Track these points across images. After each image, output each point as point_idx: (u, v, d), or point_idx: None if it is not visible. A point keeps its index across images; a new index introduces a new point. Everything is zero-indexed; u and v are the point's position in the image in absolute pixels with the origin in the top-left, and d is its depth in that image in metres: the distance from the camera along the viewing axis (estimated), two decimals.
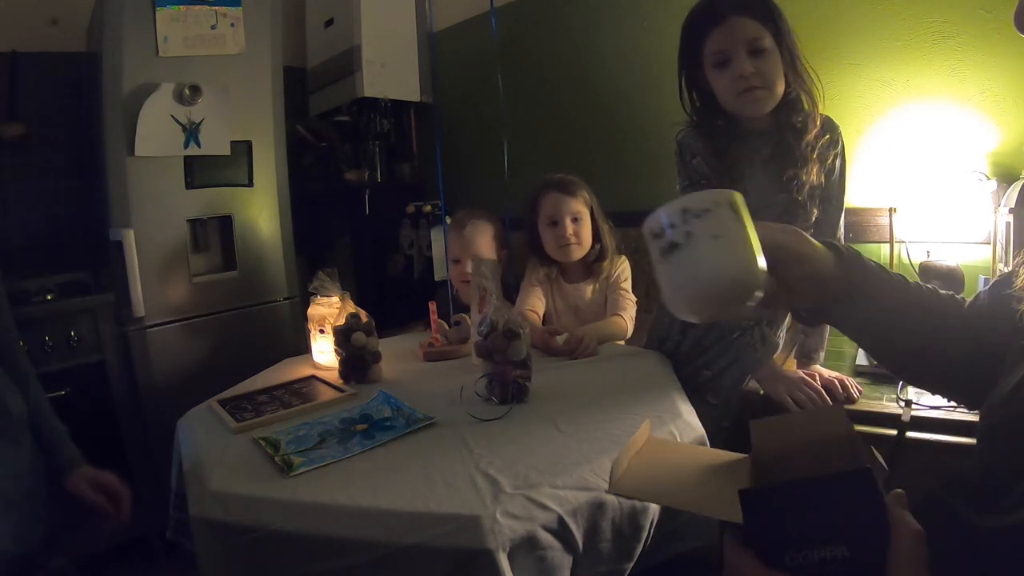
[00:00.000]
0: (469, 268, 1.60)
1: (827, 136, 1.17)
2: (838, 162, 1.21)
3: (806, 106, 1.14)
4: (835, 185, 1.21)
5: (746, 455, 0.50)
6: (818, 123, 1.15)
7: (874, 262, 0.63)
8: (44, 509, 0.92)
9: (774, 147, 1.17)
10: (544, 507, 0.75)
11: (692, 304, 0.49)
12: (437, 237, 2.14)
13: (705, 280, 0.47)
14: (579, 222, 1.53)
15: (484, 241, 1.64)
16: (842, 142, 1.21)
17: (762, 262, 0.49)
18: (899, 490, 0.39)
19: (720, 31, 1.10)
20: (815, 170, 1.16)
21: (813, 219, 1.19)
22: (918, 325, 0.63)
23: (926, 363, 0.65)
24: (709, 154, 1.18)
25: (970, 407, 0.66)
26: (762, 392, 1.24)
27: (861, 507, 0.37)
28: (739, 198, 0.50)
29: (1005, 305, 0.57)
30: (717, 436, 1.17)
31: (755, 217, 0.53)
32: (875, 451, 0.45)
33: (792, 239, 0.57)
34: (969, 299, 0.67)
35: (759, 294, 0.50)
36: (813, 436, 0.45)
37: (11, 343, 0.95)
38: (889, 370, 0.73)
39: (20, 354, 0.98)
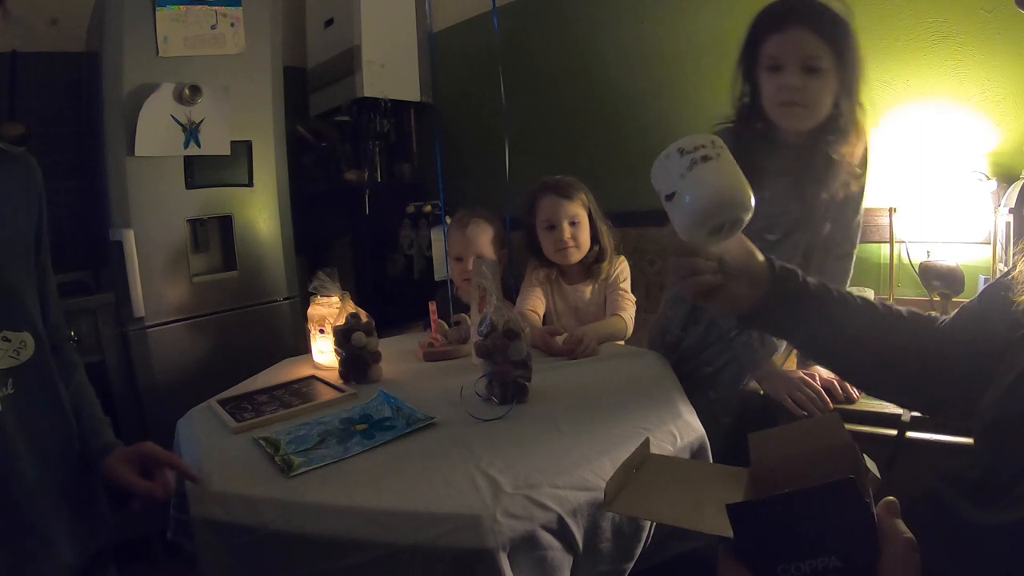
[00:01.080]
0: (471, 266, 1.61)
1: (860, 171, 1.16)
2: (861, 185, 1.19)
3: (853, 142, 1.11)
4: (852, 203, 1.19)
5: (745, 468, 0.51)
6: (857, 158, 1.13)
7: (818, 282, 0.69)
8: (102, 515, 0.91)
9: (802, 161, 1.14)
10: (544, 507, 0.75)
11: (711, 206, 0.59)
12: (437, 237, 2.14)
13: (727, 184, 0.60)
14: (577, 225, 1.53)
15: (485, 240, 1.64)
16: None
17: None
18: (891, 498, 0.39)
19: (780, 38, 1.08)
20: (836, 189, 1.15)
21: (825, 231, 1.18)
22: (868, 338, 0.68)
23: (881, 375, 0.69)
24: (739, 155, 1.16)
25: (953, 416, 0.68)
26: (762, 392, 1.24)
27: (848, 517, 0.37)
28: None
29: (1001, 304, 0.57)
30: (717, 433, 1.17)
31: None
32: (869, 459, 0.45)
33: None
34: (967, 300, 0.69)
35: (748, 216, 0.62)
36: (810, 447, 0.46)
37: (63, 340, 0.95)
38: (848, 382, 0.77)
39: (69, 348, 0.97)
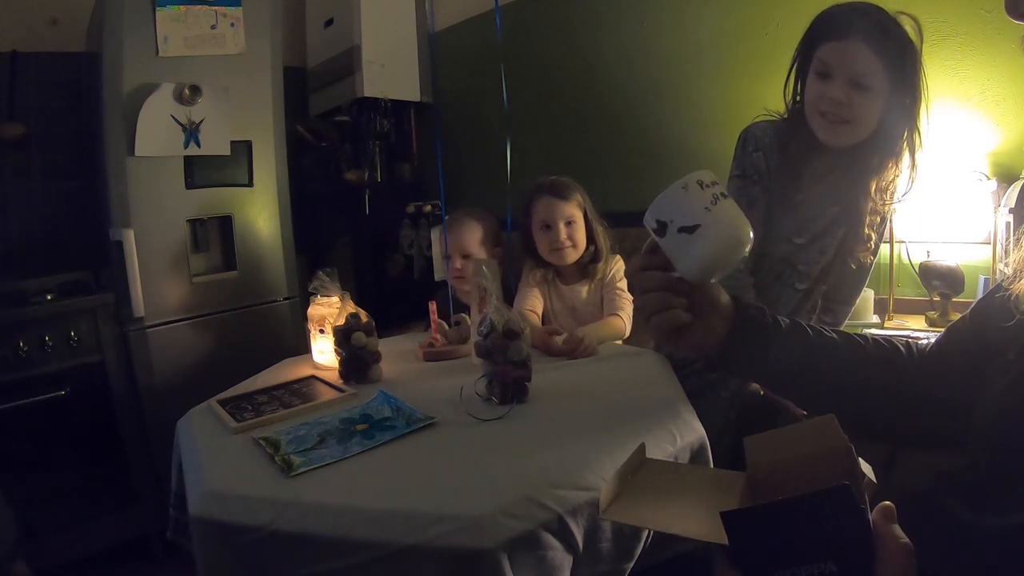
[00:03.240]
0: (459, 264, 1.64)
1: (893, 200, 1.15)
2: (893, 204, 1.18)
3: (894, 167, 1.09)
4: (883, 219, 1.19)
5: (742, 472, 0.51)
6: (901, 185, 1.11)
7: (791, 320, 0.67)
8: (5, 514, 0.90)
9: (845, 168, 1.12)
10: (544, 507, 0.75)
11: (740, 241, 0.58)
12: (437, 237, 2.14)
13: (746, 221, 0.58)
14: (573, 225, 1.54)
15: (472, 239, 1.66)
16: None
17: None
18: (887, 503, 0.39)
19: (836, 46, 1.03)
20: (875, 202, 1.14)
21: (852, 241, 1.17)
22: (848, 376, 0.66)
23: (866, 413, 0.66)
24: (778, 150, 1.14)
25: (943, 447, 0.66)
26: (762, 392, 1.24)
27: (843, 523, 0.37)
28: None
29: (995, 315, 0.56)
30: (726, 429, 1.17)
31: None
32: (865, 463, 0.45)
33: None
34: (966, 299, 0.67)
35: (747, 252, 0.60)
36: (807, 450, 0.46)
37: None
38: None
39: None
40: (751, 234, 0.58)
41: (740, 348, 0.64)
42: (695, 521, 0.46)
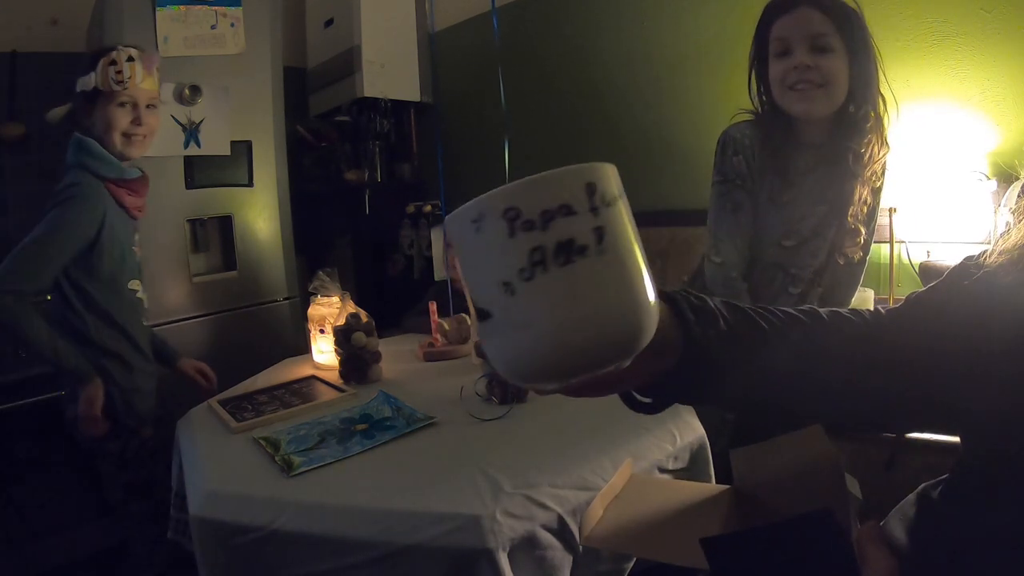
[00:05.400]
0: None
1: (880, 179, 1.15)
2: (879, 191, 1.18)
3: (871, 134, 1.10)
4: (870, 210, 1.18)
5: (729, 486, 0.50)
6: (883, 153, 1.12)
7: (744, 310, 0.44)
8: None
9: (825, 161, 1.13)
10: (544, 507, 0.75)
11: (582, 361, 0.30)
12: (437, 237, 2.14)
13: (614, 309, 0.28)
14: None
15: None
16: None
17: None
18: (872, 522, 0.39)
19: (787, 19, 1.07)
20: (866, 191, 1.14)
21: (843, 237, 1.16)
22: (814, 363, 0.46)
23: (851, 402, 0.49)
24: (760, 149, 1.14)
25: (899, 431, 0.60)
26: None
27: (825, 547, 0.37)
28: None
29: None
30: (722, 429, 1.17)
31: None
32: (851, 478, 0.45)
33: None
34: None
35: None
36: (794, 461, 0.45)
37: None
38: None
39: None
40: (627, 325, 0.30)
41: (687, 374, 0.41)
42: (678, 544, 0.46)
